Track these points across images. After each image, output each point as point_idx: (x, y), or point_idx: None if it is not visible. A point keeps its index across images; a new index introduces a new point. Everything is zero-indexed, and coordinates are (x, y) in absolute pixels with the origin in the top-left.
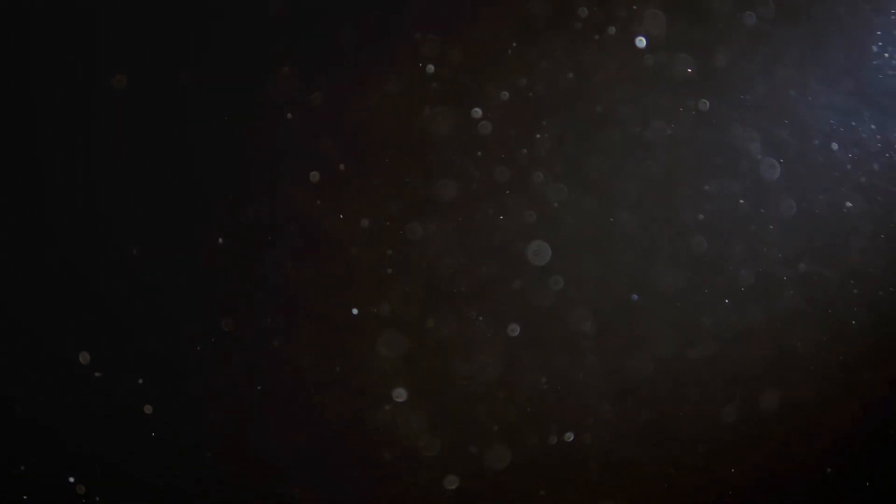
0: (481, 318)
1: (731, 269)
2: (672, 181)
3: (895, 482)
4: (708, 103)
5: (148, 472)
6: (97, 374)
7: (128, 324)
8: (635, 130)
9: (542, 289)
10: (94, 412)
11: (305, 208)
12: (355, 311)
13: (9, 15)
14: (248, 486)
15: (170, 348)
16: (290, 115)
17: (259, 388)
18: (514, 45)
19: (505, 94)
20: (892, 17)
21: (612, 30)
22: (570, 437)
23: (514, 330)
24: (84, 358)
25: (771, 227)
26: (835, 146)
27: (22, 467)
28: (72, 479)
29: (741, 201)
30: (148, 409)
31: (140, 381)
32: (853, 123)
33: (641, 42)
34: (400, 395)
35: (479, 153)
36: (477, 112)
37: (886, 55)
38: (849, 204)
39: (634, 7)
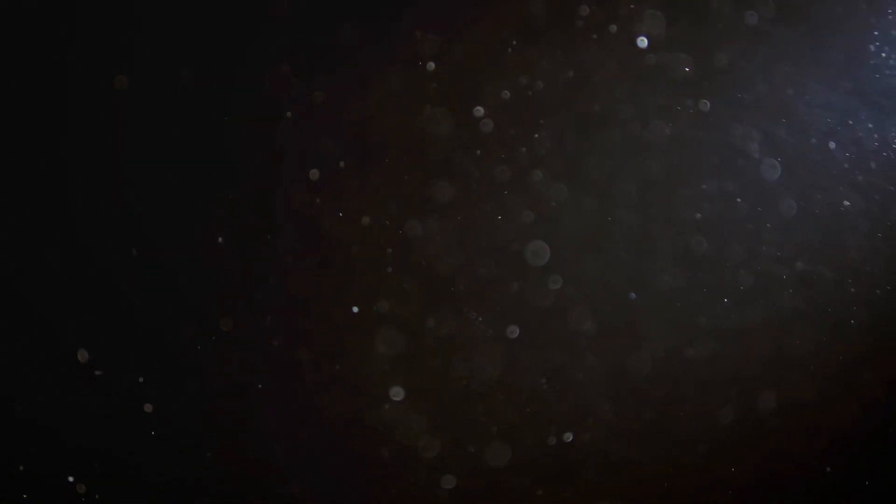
0: (480, 319)
1: (729, 269)
2: (671, 181)
3: (895, 482)
4: (708, 103)
5: (148, 471)
6: (97, 373)
7: (128, 323)
8: (635, 130)
9: (541, 288)
10: (94, 411)
11: (305, 207)
12: (355, 310)
13: (9, 15)
14: (248, 485)
15: (170, 348)
16: (289, 114)
17: (259, 387)
18: (514, 44)
19: (505, 94)
20: (890, 18)
21: (612, 29)
22: (569, 437)
23: (514, 332)
24: (84, 357)
25: (769, 226)
26: (833, 145)
27: (22, 467)
28: (72, 479)
29: (739, 200)
30: (148, 407)
31: (140, 379)
32: (851, 122)
33: (642, 42)
34: (399, 394)
35: (479, 152)
36: (479, 111)
37: (884, 55)
38: (847, 203)
39: (633, 7)
